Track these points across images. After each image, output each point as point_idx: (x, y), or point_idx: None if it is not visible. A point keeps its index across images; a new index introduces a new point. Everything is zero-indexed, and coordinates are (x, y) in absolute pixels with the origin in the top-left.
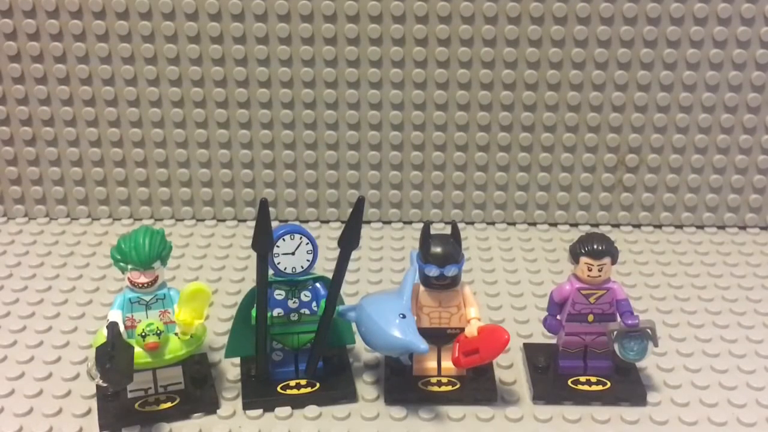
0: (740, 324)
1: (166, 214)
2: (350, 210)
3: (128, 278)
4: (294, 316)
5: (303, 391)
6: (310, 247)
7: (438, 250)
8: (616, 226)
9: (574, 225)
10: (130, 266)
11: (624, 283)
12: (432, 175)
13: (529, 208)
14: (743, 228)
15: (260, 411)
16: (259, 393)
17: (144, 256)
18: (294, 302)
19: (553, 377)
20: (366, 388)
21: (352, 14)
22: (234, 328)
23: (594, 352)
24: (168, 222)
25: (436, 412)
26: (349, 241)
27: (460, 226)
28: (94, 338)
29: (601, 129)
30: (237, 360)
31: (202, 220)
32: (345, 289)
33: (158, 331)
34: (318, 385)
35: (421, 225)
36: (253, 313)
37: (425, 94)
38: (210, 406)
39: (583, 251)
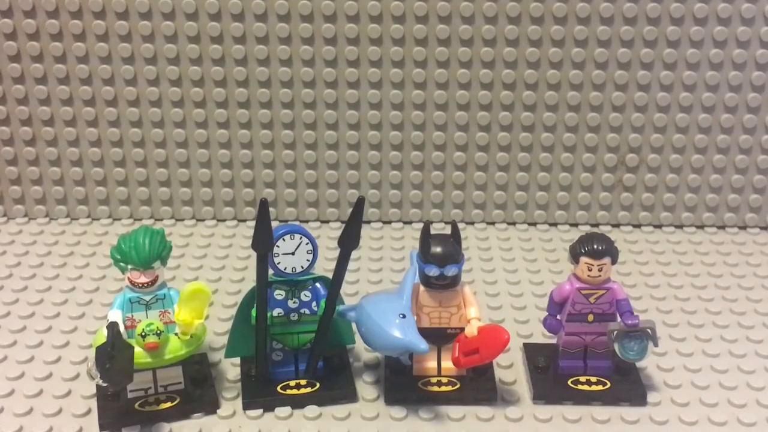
0: (740, 324)
1: (166, 214)
2: (350, 210)
3: (128, 278)
4: (294, 316)
5: (303, 391)
6: (310, 247)
7: (438, 250)
8: (616, 226)
9: (574, 225)
10: (130, 266)
11: (624, 283)
12: (432, 175)
13: (529, 208)
14: (743, 228)
15: (260, 411)
16: (259, 393)
17: (144, 256)
18: (294, 302)
19: (553, 377)
20: (366, 388)
21: (352, 14)
22: (234, 328)
23: (594, 352)
24: (168, 222)
25: (436, 412)
26: (349, 241)
27: (460, 226)
28: (94, 338)
29: (601, 129)
30: (237, 360)
31: (202, 220)
32: (345, 289)
33: (158, 331)
34: (318, 385)
35: (421, 225)
36: (253, 313)
37: (425, 94)
38: (210, 406)
39: (583, 251)
